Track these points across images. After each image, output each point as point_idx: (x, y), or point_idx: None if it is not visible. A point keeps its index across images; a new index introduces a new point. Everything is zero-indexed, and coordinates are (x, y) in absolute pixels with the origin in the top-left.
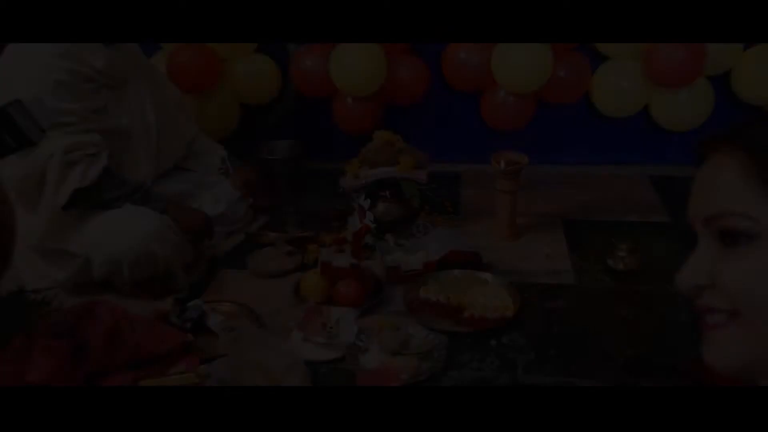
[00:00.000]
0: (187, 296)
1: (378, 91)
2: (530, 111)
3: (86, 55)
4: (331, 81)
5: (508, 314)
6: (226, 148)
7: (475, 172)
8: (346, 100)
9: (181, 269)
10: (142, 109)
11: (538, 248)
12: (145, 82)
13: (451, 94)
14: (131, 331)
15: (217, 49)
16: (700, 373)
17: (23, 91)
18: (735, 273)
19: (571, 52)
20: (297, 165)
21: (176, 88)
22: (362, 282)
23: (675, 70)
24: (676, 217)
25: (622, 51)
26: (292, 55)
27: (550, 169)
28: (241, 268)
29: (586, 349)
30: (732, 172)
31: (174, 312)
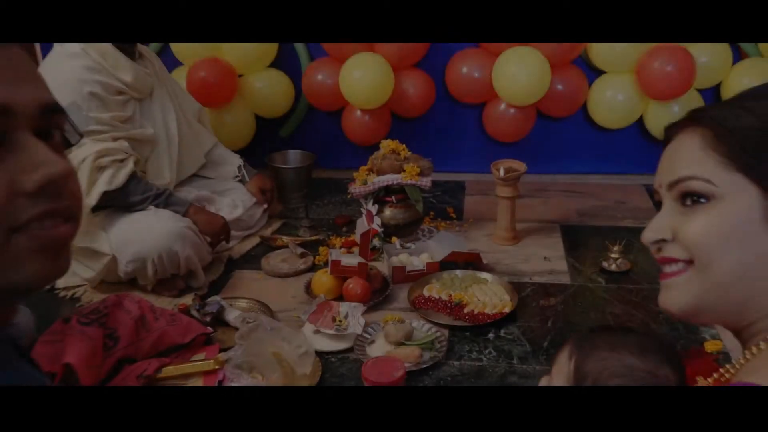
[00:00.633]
0: (206, 294)
1: (385, 104)
2: (530, 123)
3: (116, 70)
4: (341, 95)
5: (506, 310)
6: (243, 157)
7: (478, 181)
8: (355, 112)
9: (200, 268)
10: (166, 120)
11: (537, 251)
12: (168, 95)
13: (455, 107)
14: (156, 321)
15: (234, 65)
16: (684, 364)
17: (60, 100)
18: (692, 228)
19: (568, 66)
20: (309, 173)
21: (196, 101)
22: (369, 280)
23: (666, 83)
24: None
25: (617, 65)
26: (305, 71)
27: (549, 178)
28: (256, 269)
29: None
30: (693, 145)
31: (194, 306)
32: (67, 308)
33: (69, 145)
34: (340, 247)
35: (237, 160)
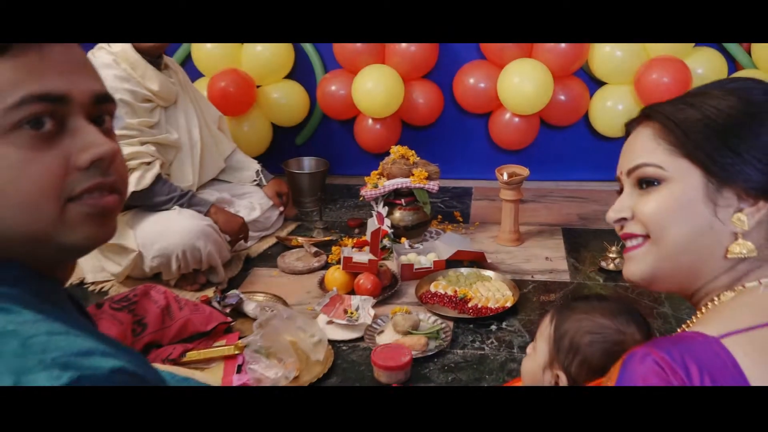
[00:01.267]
0: (226, 288)
1: (396, 113)
2: (534, 131)
3: (144, 79)
4: (354, 104)
5: (507, 305)
6: (260, 163)
7: (485, 187)
8: (367, 121)
9: (220, 265)
10: (189, 126)
11: (539, 252)
12: (191, 103)
13: (463, 116)
14: (180, 310)
15: (252, 76)
16: None
17: None
18: (647, 207)
19: (570, 77)
20: (322, 179)
21: (217, 110)
22: (379, 276)
23: (664, 94)
24: None
25: (617, 77)
26: (319, 82)
27: (552, 184)
28: (273, 266)
29: None
30: (646, 136)
31: (215, 298)
32: (96, 302)
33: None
34: (352, 247)
35: (255, 166)
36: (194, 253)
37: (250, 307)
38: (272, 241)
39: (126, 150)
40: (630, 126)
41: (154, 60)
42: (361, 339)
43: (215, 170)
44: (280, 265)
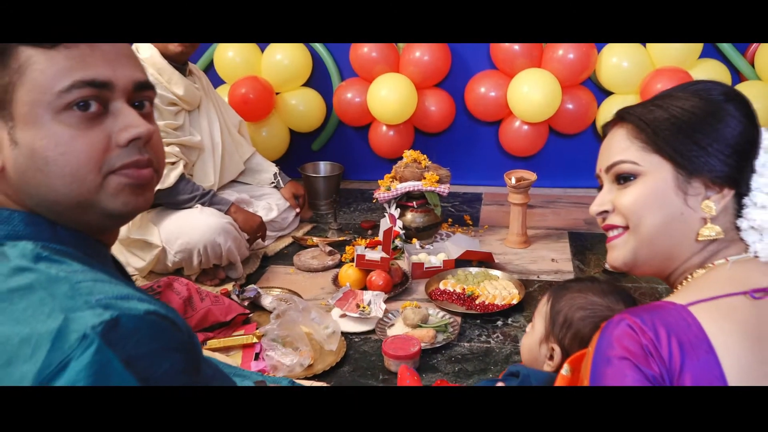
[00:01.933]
0: (244, 284)
1: (409, 120)
2: (542, 139)
3: (170, 84)
4: (369, 111)
5: (513, 302)
6: (278, 166)
7: (494, 192)
8: (381, 127)
9: (239, 261)
10: (211, 129)
11: (546, 254)
12: (214, 107)
13: (474, 123)
14: (201, 301)
15: (271, 83)
16: None
17: None
18: (625, 199)
19: (578, 87)
20: (337, 182)
21: (237, 115)
22: (391, 274)
23: None
24: None
25: (623, 87)
26: (336, 89)
27: (560, 190)
28: (289, 264)
29: None
30: (621, 136)
31: (234, 291)
32: None
33: None
34: (365, 246)
35: (273, 168)
36: (215, 249)
37: (267, 301)
38: (288, 240)
39: None
40: (606, 128)
41: (180, 66)
42: (372, 331)
43: (235, 172)
44: (295, 263)
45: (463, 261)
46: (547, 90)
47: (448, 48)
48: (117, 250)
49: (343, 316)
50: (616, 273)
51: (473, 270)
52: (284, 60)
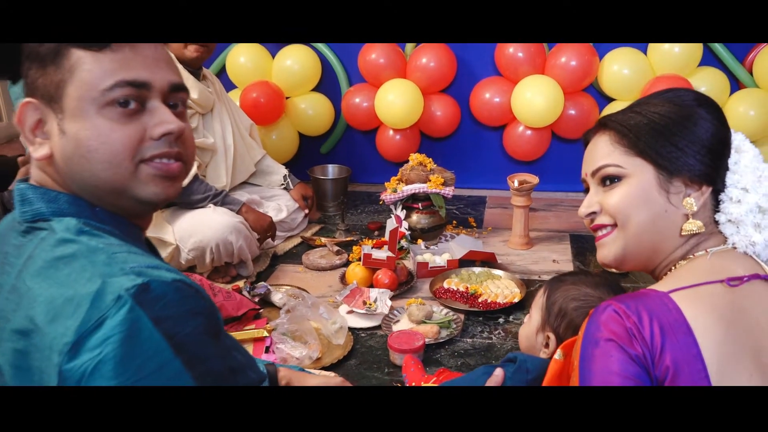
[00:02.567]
0: (255, 281)
1: (415, 125)
2: (545, 144)
3: None
4: (376, 116)
5: (515, 300)
6: (287, 168)
7: (498, 196)
8: (388, 132)
9: (250, 259)
10: (224, 132)
11: (548, 255)
12: (226, 111)
13: (478, 128)
14: (214, 296)
15: (281, 88)
16: None
17: None
18: (613, 200)
19: (580, 93)
20: (345, 185)
21: (248, 118)
22: (396, 272)
23: None
24: None
25: (625, 93)
26: (344, 94)
27: (563, 194)
28: (298, 263)
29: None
30: (605, 142)
31: (245, 288)
32: None
33: None
34: (372, 246)
35: (283, 170)
36: (227, 247)
37: (276, 297)
38: (297, 240)
39: None
40: (588, 135)
41: (195, 71)
42: (378, 327)
43: (246, 173)
44: (304, 262)
45: (467, 261)
46: (550, 96)
47: (454, 54)
48: None
49: (351, 312)
50: (616, 273)
51: (476, 270)
52: (294, 65)
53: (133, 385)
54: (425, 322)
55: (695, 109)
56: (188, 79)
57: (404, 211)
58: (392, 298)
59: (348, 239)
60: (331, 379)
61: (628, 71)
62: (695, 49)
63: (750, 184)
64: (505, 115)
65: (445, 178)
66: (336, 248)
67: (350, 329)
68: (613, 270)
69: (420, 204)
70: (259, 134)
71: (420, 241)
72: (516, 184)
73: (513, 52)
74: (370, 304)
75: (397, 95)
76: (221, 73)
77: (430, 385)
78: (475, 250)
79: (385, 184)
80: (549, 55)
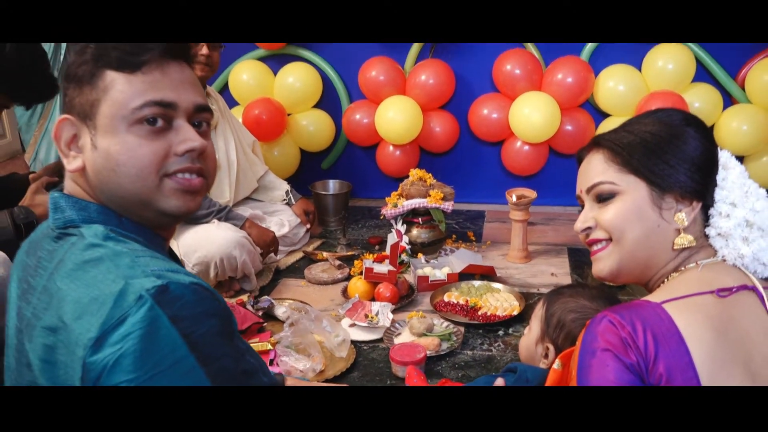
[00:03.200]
0: (258, 295)
1: (415, 140)
2: (543, 159)
3: None
4: (377, 132)
5: (514, 313)
6: (289, 184)
7: (497, 210)
8: (388, 147)
9: (254, 273)
10: (227, 148)
11: (546, 269)
12: (229, 128)
13: (477, 144)
14: None
15: (283, 105)
16: None
17: None
18: (607, 216)
19: (576, 109)
20: (346, 200)
21: (251, 135)
22: (397, 286)
23: None
24: None
25: (620, 109)
26: (345, 111)
27: (560, 208)
28: (300, 277)
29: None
30: (598, 160)
31: (249, 302)
32: None
33: None
34: (373, 260)
35: (285, 186)
36: (231, 262)
37: (280, 311)
38: (299, 255)
39: None
40: (582, 153)
41: None
42: (380, 340)
43: (249, 189)
44: (306, 276)
45: (467, 275)
46: (547, 112)
47: (453, 71)
48: None
49: (353, 325)
50: (613, 287)
51: (476, 283)
52: (296, 83)
53: (150, 378)
54: (426, 335)
55: (684, 129)
56: None
57: (405, 225)
58: (394, 312)
59: (349, 253)
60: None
61: (623, 87)
62: (689, 66)
63: (738, 199)
64: (503, 130)
65: (444, 193)
66: (338, 262)
67: (353, 342)
68: (610, 283)
69: (420, 218)
70: (261, 150)
71: (420, 255)
72: (514, 198)
73: (510, 69)
74: (372, 318)
75: (397, 111)
76: (224, 90)
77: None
78: (475, 263)
79: (386, 199)
80: (546, 71)
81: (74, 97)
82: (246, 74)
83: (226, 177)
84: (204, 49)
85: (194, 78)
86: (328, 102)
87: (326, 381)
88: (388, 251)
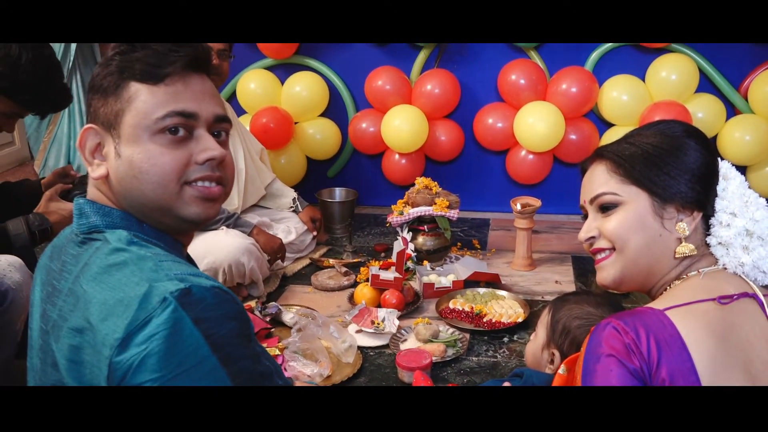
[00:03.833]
0: (265, 301)
1: (421, 149)
2: (547, 168)
3: None
4: (382, 140)
5: (519, 320)
6: (296, 192)
7: (501, 219)
8: (394, 156)
9: (261, 280)
10: (235, 156)
11: (550, 276)
12: (238, 135)
13: (482, 153)
14: None
15: (290, 113)
16: None
17: None
18: (611, 225)
19: (580, 119)
20: (352, 207)
21: (259, 143)
22: (403, 293)
23: None
24: None
25: (624, 119)
26: (351, 119)
27: (564, 217)
28: (306, 284)
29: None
30: (602, 171)
31: (257, 308)
32: None
33: None
34: (379, 267)
35: (292, 194)
36: (239, 268)
37: (287, 317)
38: (306, 262)
39: None
40: (586, 164)
41: None
42: (386, 346)
43: (257, 197)
44: (313, 283)
45: (472, 282)
46: (551, 121)
47: (458, 81)
48: None
49: (359, 331)
50: (618, 294)
51: (481, 290)
52: (303, 91)
53: (174, 377)
54: (432, 341)
55: (685, 140)
56: None
57: (410, 233)
58: (400, 318)
59: (355, 260)
60: None
61: (627, 97)
62: (692, 76)
63: (738, 209)
64: (507, 139)
65: (450, 201)
66: (344, 269)
67: (359, 348)
68: (613, 291)
69: (426, 226)
70: (268, 158)
71: (426, 262)
72: (519, 207)
73: (515, 78)
74: (379, 324)
75: (403, 120)
76: (232, 99)
77: None
78: (480, 271)
79: (392, 206)
80: (550, 81)
81: (99, 107)
82: (254, 83)
83: (234, 184)
84: (214, 59)
85: (214, 89)
86: (334, 111)
87: (333, 386)
88: (394, 258)
